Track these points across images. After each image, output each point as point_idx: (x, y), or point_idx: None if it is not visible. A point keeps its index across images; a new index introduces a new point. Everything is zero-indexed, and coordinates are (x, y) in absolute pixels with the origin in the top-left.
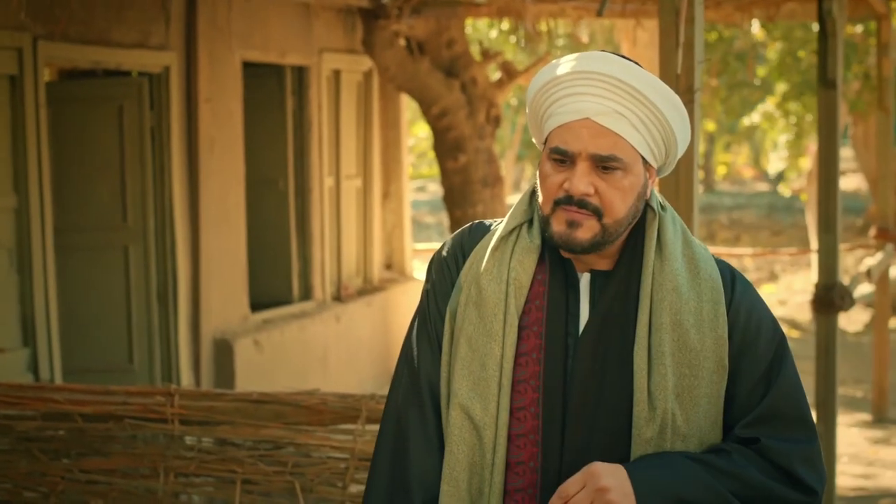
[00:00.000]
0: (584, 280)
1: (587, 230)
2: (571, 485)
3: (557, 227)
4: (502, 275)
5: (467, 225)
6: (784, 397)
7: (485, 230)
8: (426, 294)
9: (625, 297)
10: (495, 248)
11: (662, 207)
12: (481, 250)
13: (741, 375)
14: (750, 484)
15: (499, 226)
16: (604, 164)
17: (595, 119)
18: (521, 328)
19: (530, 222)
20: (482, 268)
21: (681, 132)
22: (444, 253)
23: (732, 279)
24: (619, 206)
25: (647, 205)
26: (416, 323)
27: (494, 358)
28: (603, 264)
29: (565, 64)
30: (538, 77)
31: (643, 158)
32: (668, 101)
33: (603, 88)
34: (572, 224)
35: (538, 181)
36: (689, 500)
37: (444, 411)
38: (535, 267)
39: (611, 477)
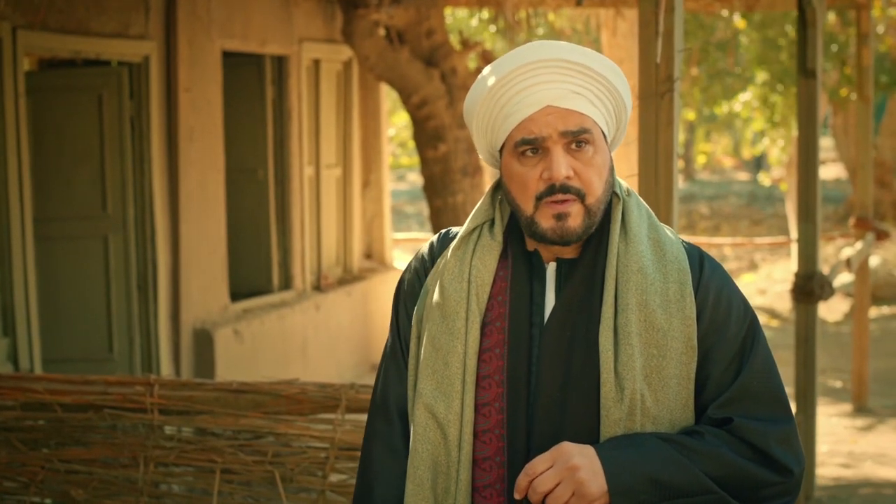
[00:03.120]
0: (551, 269)
1: (576, 217)
2: (539, 462)
3: (546, 223)
4: (463, 273)
5: (438, 234)
6: (757, 377)
7: (453, 237)
8: (395, 307)
9: (590, 282)
10: (457, 248)
11: (627, 193)
12: (446, 254)
13: (713, 356)
14: (723, 463)
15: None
16: (576, 140)
17: (556, 104)
18: (484, 324)
19: (492, 222)
20: (444, 268)
21: (627, 100)
22: (414, 263)
23: (700, 261)
24: (598, 183)
25: (612, 191)
26: (389, 335)
27: (457, 355)
28: (569, 252)
29: (505, 63)
30: (480, 86)
31: (603, 134)
32: (614, 71)
33: (554, 73)
34: (561, 216)
35: (508, 185)
36: (660, 479)
37: (411, 414)
38: (496, 264)
39: (580, 456)
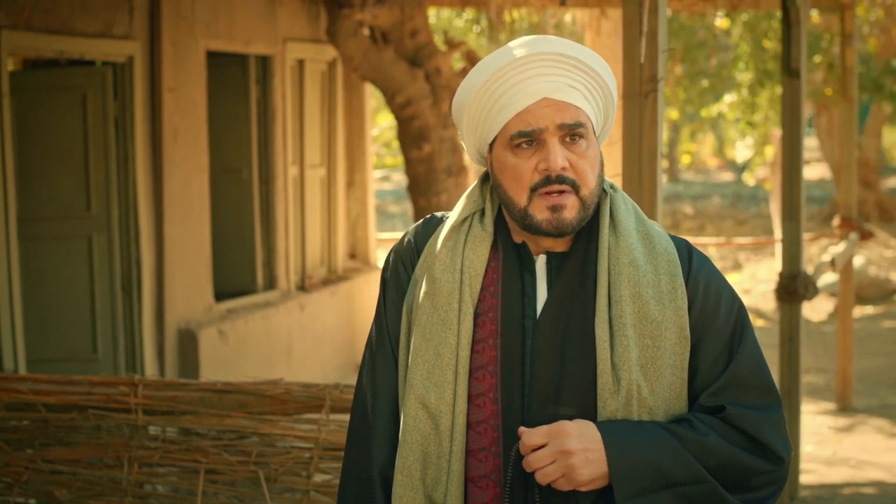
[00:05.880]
0: (541, 262)
1: (571, 209)
2: (536, 436)
3: (541, 214)
4: (455, 264)
5: (421, 220)
6: (747, 366)
7: (438, 222)
8: (382, 293)
9: (582, 275)
10: (447, 238)
11: (612, 188)
12: (434, 242)
13: (703, 347)
14: (716, 452)
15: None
16: (571, 133)
17: (552, 96)
18: (477, 315)
19: (482, 212)
20: (435, 258)
21: (615, 98)
22: (399, 249)
23: (689, 253)
24: (591, 176)
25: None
26: (374, 324)
27: (449, 346)
28: (559, 246)
29: (500, 56)
30: (473, 79)
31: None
32: (605, 68)
33: (550, 67)
34: (556, 208)
35: (500, 178)
36: (660, 466)
37: (402, 404)
38: (488, 255)
39: (578, 439)
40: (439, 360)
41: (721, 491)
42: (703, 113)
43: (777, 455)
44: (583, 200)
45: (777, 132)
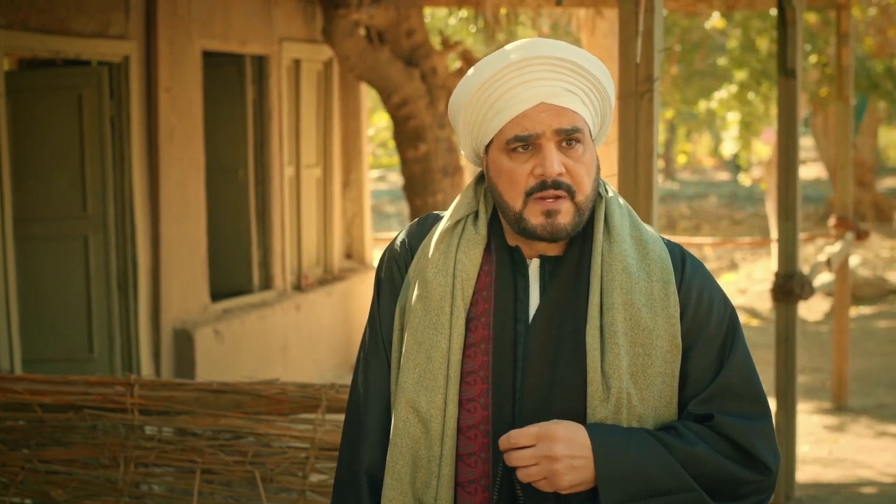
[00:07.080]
0: (534, 266)
1: (566, 214)
2: (523, 437)
3: (536, 219)
4: (448, 267)
5: (416, 219)
6: (737, 375)
7: (433, 222)
8: (376, 293)
9: (575, 280)
10: (440, 241)
11: (607, 191)
12: (427, 243)
13: (694, 354)
14: (703, 461)
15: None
16: (568, 138)
17: (550, 101)
18: (469, 319)
19: (475, 214)
20: (428, 260)
21: (612, 100)
22: (393, 249)
23: (682, 259)
24: (587, 181)
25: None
26: (368, 325)
27: (441, 350)
28: (552, 249)
29: (498, 59)
30: (471, 81)
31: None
32: (602, 71)
33: (548, 71)
34: (551, 213)
35: (495, 181)
36: (649, 473)
37: (393, 406)
38: (481, 258)
39: (565, 445)
40: (430, 365)
41: (708, 500)
42: (696, 110)
43: (765, 465)
44: (578, 206)
45: (770, 131)
